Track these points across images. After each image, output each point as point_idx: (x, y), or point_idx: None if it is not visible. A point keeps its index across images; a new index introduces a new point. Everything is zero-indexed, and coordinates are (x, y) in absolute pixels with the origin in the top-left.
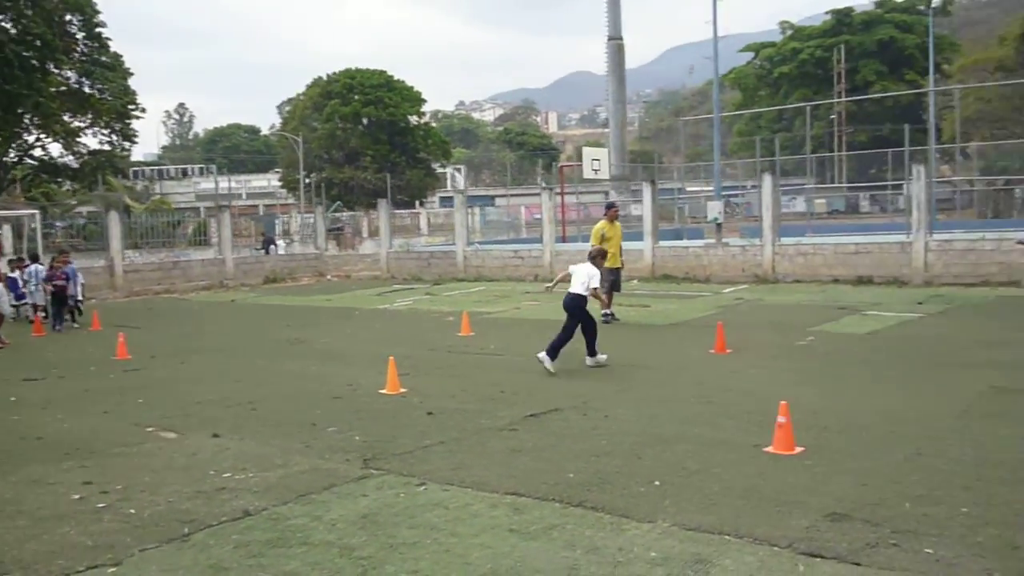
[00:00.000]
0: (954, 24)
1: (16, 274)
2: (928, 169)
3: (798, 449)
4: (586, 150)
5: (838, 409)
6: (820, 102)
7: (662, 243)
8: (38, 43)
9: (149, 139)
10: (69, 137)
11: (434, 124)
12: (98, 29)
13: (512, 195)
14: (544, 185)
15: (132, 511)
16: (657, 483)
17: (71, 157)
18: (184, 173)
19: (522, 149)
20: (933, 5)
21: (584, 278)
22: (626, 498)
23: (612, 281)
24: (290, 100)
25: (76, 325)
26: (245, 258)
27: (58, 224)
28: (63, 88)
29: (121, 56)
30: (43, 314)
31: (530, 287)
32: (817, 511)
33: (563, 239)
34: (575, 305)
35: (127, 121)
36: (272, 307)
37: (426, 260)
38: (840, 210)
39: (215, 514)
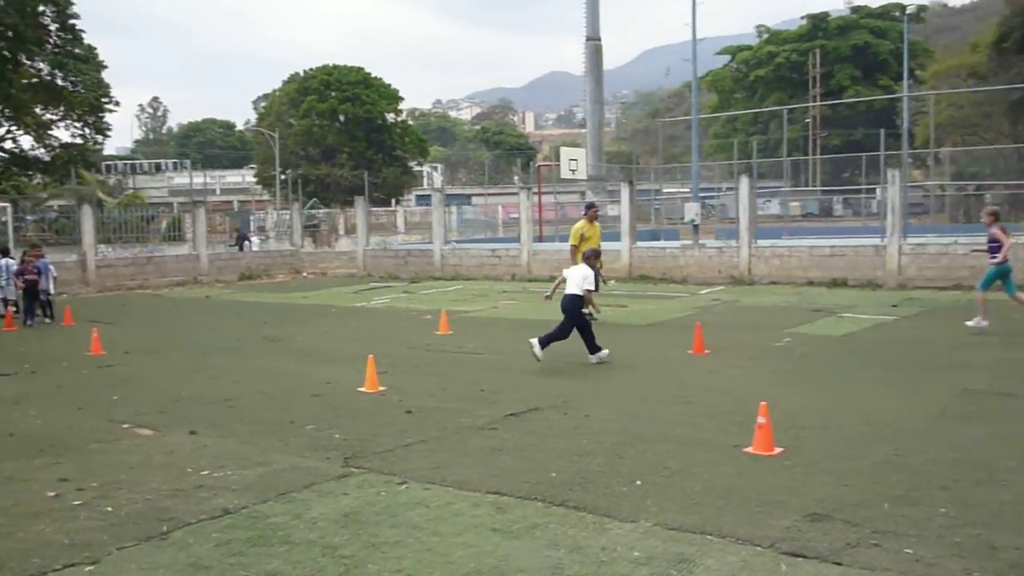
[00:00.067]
0: (927, 31)
1: None
2: (902, 174)
3: (777, 450)
4: (564, 150)
5: (816, 410)
6: (796, 106)
7: (639, 244)
8: (10, 34)
9: (122, 133)
10: (41, 130)
11: (411, 122)
12: (72, 21)
13: (489, 194)
14: (522, 185)
15: (109, 509)
16: (639, 483)
17: (42, 150)
18: (157, 168)
19: (499, 148)
20: (907, 12)
21: (579, 279)
22: (608, 497)
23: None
24: (266, 96)
25: (48, 320)
26: (220, 254)
27: (29, 218)
28: (35, 80)
29: (95, 48)
30: (14, 309)
31: (508, 286)
32: (798, 511)
33: (540, 238)
34: (572, 306)
35: (100, 114)
36: (248, 304)
37: (403, 258)
38: (814, 213)
39: (194, 512)
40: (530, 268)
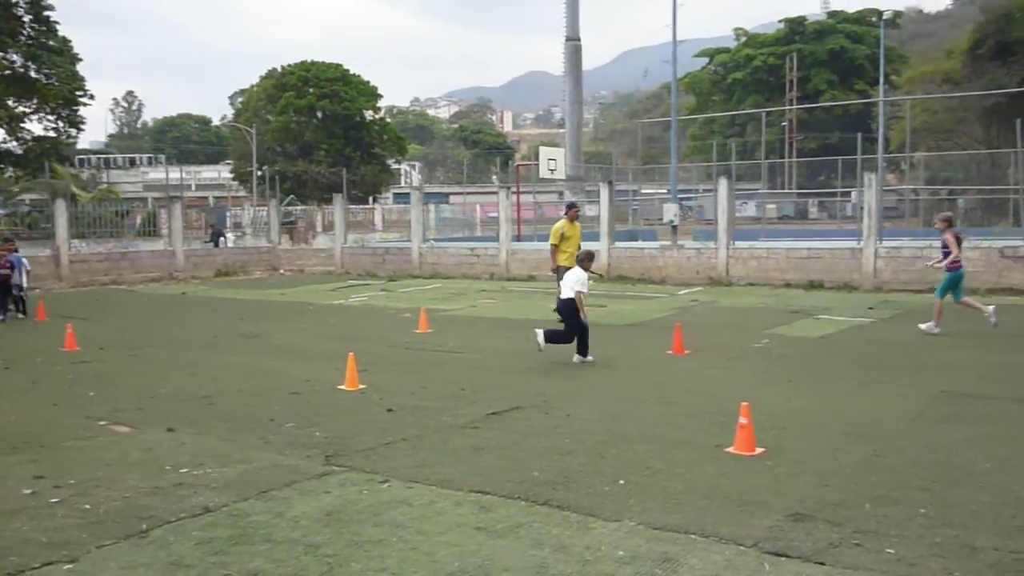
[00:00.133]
0: (903, 36)
1: None
2: (879, 177)
3: (759, 450)
4: (543, 150)
5: (795, 411)
6: (773, 108)
7: (618, 244)
8: None
9: (96, 127)
10: (13, 122)
11: (389, 120)
12: (46, 12)
13: (468, 193)
14: (501, 184)
15: (87, 506)
16: (622, 482)
17: (15, 143)
18: (132, 162)
19: (477, 147)
20: (884, 17)
21: (572, 282)
22: (591, 497)
23: None
24: (243, 91)
25: (21, 316)
26: (196, 250)
27: (0, 212)
28: (8, 72)
29: (70, 41)
30: None
31: (486, 285)
32: (780, 511)
33: (519, 238)
34: (568, 309)
35: (74, 107)
36: (224, 300)
37: (381, 256)
38: (790, 216)
39: (174, 510)
40: (509, 267)
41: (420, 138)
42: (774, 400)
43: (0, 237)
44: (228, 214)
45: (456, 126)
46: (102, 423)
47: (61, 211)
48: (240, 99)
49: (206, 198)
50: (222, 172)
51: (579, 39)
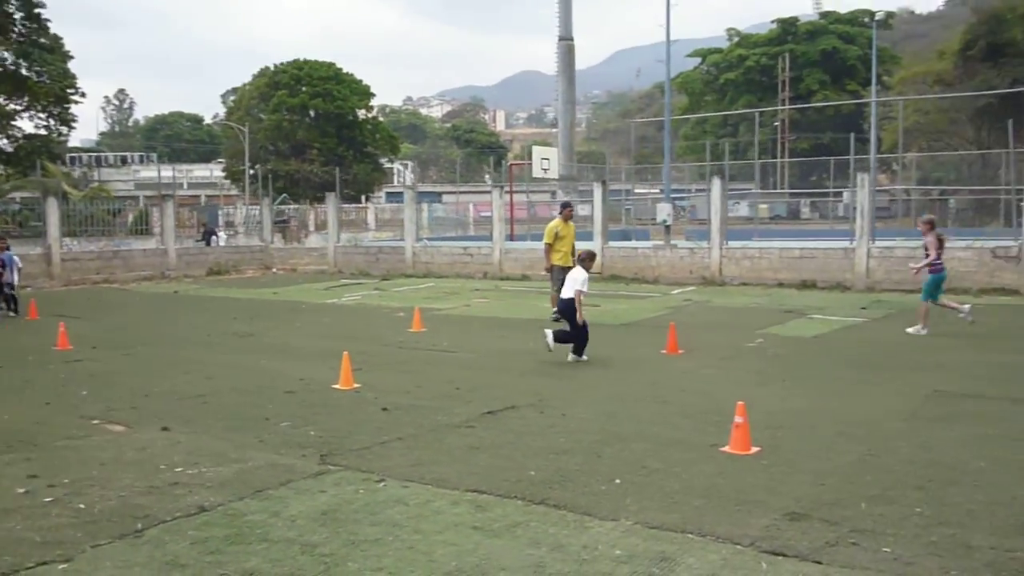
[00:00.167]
0: (895, 37)
1: None
2: (871, 178)
3: (754, 449)
4: (536, 149)
5: (790, 410)
6: (765, 109)
7: (611, 243)
8: None
9: (88, 125)
10: (4, 120)
11: (381, 119)
12: (37, 10)
13: (460, 192)
14: (495, 183)
15: (82, 506)
16: (618, 481)
17: (6, 141)
18: (123, 161)
19: (470, 146)
20: (876, 18)
21: (571, 282)
22: (588, 496)
23: (563, 280)
24: (235, 90)
25: (12, 314)
26: (188, 249)
27: None
28: None
29: (61, 38)
30: None
31: (480, 284)
32: (776, 510)
33: (512, 237)
34: (569, 309)
35: (65, 105)
36: (217, 299)
37: (374, 255)
38: (782, 216)
39: (169, 509)
40: (502, 267)
41: (413, 137)
42: (769, 399)
43: None
44: (220, 213)
45: (449, 125)
46: (96, 422)
47: (52, 209)
48: (232, 97)
49: (198, 197)
50: (214, 171)
51: (572, 39)
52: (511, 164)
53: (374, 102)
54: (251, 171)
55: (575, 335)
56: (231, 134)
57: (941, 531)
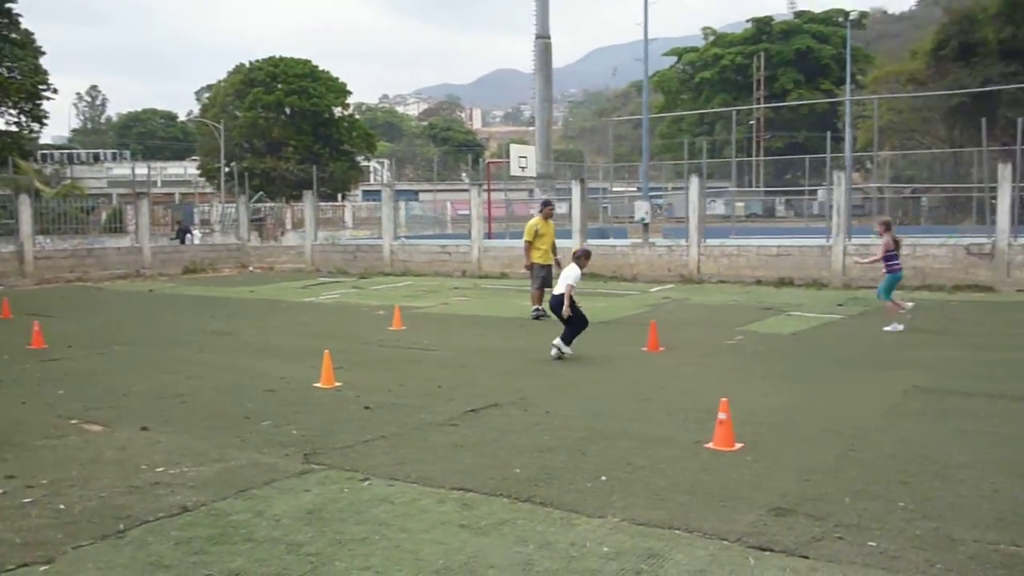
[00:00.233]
0: (868, 37)
1: None
2: (848, 176)
3: (738, 445)
4: (514, 147)
5: (772, 406)
6: (741, 107)
7: (590, 241)
8: None
9: (60, 121)
10: None
11: (358, 116)
12: (8, 5)
13: (437, 190)
14: (472, 182)
15: (62, 506)
16: (603, 479)
17: None
18: (96, 158)
19: (447, 145)
20: (850, 18)
21: (562, 277)
22: (574, 493)
23: (543, 278)
24: (210, 86)
25: None
26: (163, 247)
27: None
28: None
29: (32, 33)
30: None
31: (458, 282)
32: (762, 506)
33: (489, 235)
34: (560, 305)
35: (37, 102)
36: (193, 298)
37: (352, 253)
38: (758, 213)
39: (151, 510)
40: (481, 265)
41: (389, 135)
42: (750, 396)
43: None
44: (196, 211)
45: (425, 123)
46: (73, 422)
47: (25, 207)
48: (207, 94)
49: (172, 195)
50: (188, 168)
51: (549, 37)
52: (489, 162)
53: (350, 100)
54: (226, 169)
55: (574, 328)
56: (206, 131)
57: (925, 525)
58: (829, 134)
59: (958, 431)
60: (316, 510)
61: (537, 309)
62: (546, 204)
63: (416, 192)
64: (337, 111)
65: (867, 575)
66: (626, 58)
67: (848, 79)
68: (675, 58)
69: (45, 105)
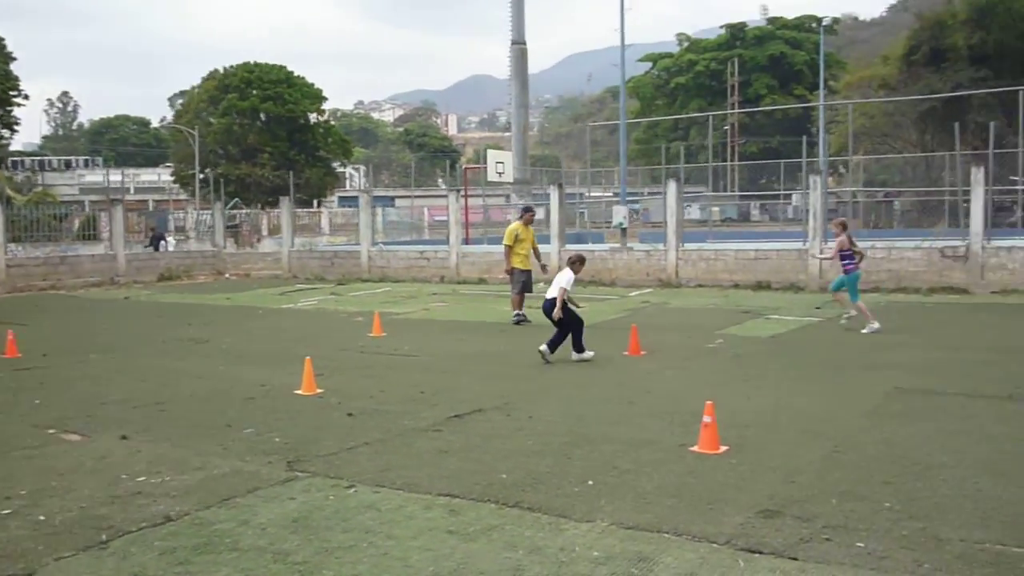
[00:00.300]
0: (839, 42)
1: None
2: (823, 180)
3: (722, 448)
4: (491, 153)
5: (755, 409)
6: (716, 112)
7: (569, 246)
8: None
9: (30, 128)
10: None
11: (333, 123)
12: None
13: (415, 196)
14: (450, 187)
15: (42, 517)
16: (590, 483)
17: None
18: (68, 165)
19: (423, 150)
20: (823, 24)
21: (556, 282)
22: (561, 498)
23: (523, 283)
24: (183, 92)
25: None
26: (138, 254)
27: None
28: None
29: (3, 39)
30: None
31: (437, 288)
32: (749, 508)
33: (467, 241)
34: (552, 308)
35: (7, 108)
36: (169, 305)
37: (329, 260)
38: (733, 218)
39: (134, 520)
40: (459, 270)
41: (364, 141)
42: (733, 399)
43: None
44: (171, 217)
45: (401, 129)
46: (51, 431)
47: None
48: (180, 100)
49: (145, 201)
50: (162, 175)
51: (525, 43)
52: (466, 168)
53: (325, 106)
54: (201, 175)
55: (564, 335)
56: (179, 138)
57: (911, 525)
58: (805, 139)
59: (939, 431)
60: (302, 518)
61: (518, 314)
62: (527, 210)
63: (392, 198)
64: (313, 117)
65: None
66: (601, 64)
67: (822, 84)
68: (650, 64)
69: (16, 111)
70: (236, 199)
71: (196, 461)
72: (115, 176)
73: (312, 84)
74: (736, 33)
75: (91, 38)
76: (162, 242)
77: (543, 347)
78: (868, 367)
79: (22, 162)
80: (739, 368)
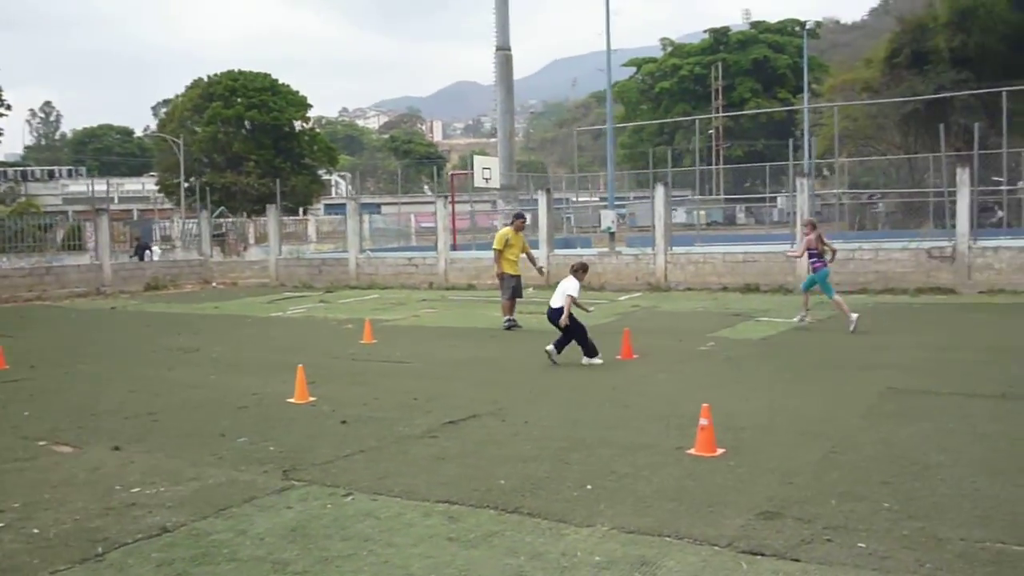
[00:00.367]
0: (822, 46)
1: None
2: (810, 183)
3: (719, 451)
4: (477, 159)
5: (750, 411)
6: (701, 116)
7: (557, 251)
8: None
9: (13, 138)
10: None
11: (318, 130)
12: None
13: (401, 203)
14: (437, 194)
15: (36, 530)
16: (589, 487)
17: None
18: (51, 175)
19: (408, 157)
20: (807, 27)
21: (563, 290)
22: (561, 503)
23: (514, 288)
24: (167, 101)
25: None
26: (124, 264)
27: None
28: None
29: None
30: None
31: (426, 295)
32: (749, 510)
33: (455, 247)
34: (557, 317)
35: None
36: (157, 315)
37: (317, 267)
38: (718, 221)
39: (129, 531)
40: (448, 276)
41: (350, 148)
42: (728, 401)
43: None
44: (156, 227)
45: (387, 136)
46: (42, 443)
47: None
48: (164, 109)
49: (130, 211)
50: (146, 184)
51: (509, 48)
52: (452, 174)
53: (310, 113)
54: (186, 184)
55: (569, 339)
56: (164, 147)
57: (911, 525)
58: (791, 142)
59: (935, 431)
60: (300, 527)
61: (509, 319)
62: (518, 216)
63: (379, 205)
64: (298, 125)
65: None
66: (585, 69)
67: (806, 87)
68: (634, 69)
69: None
70: (222, 207)
71: (190, 471)
72: (99, 185)
73: (297, 92)
74: (719, 37)
75: (75, 46)
76: (147, 252)
77: (550, 347)
78: (861, 367)
79: (5, 173)
80: (732, 370)
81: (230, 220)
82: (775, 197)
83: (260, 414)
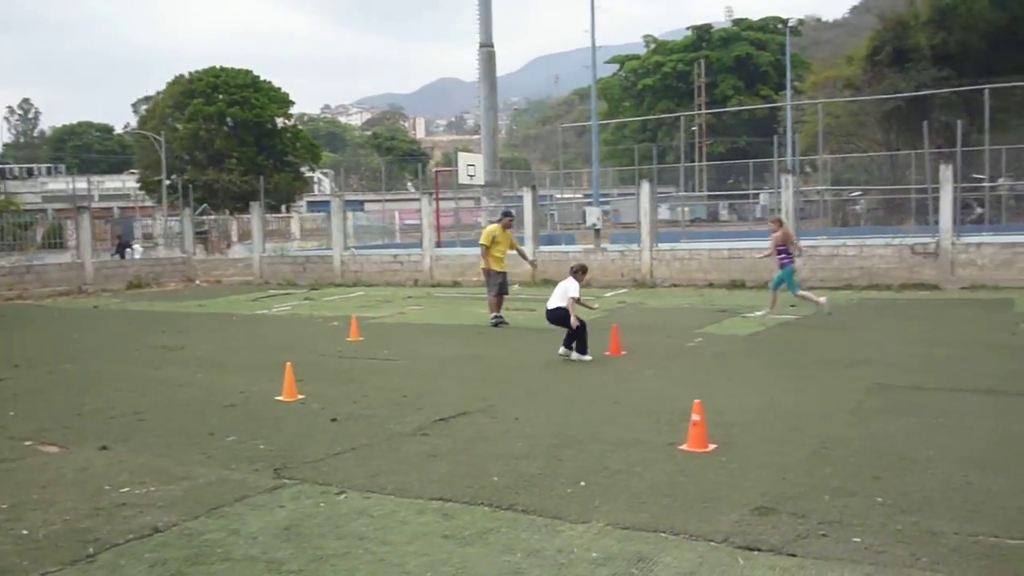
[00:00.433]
0: (803, 43)
1: None
2: (795, 179)
3: (711, 447)
4: (461, 156)
5: (739, 407)
6: (685, 113)
7: (542, 248)
8: None
9: None
10: None
11: (300, 127)
12: None
13: (385, 200)
14: (421, 191)
15: (24, 532)
16: (583, 484)
17: None
18: (30, 173)
19: (391, 154)
20: (789, 25)
21: (563, 291)
22: (555, 500)
23: (500, 284)
24: (148, 98)
25: None
26: (106, 262)
27: None
28: None
29: None
30: None
31: (411, 292)
32: (743, 506)
33: (439, 244)
34: (557, 318)
35: None
36: (140, 313)
37: (302, 265)
38: (702, 218)
39: (120, 532)
40: (433, 273)
41: (332, 145)
42: (718, 397)
43: None
44: (137, 224)
45: (369, 133)
46: (28, 443)
47: None
48: (145, 106)
49: (110, 209)
50: (127, 182)
51: (492, 45)
52: (437, 171)
53: (292, 110)
54: (168, 181)
55: (573, 336)
56: (144, 144)
57: (904, 519)
58: (776, 139)
59: (923, 425)
60: (293, 526)
61: (496, 316)
62: (506, 215)
63: (362, 202)
64: (280, 122)
65: (855, 571)
66: (568, 66)
67: (788, 84)
68: (617, 66)
69: None
70: (204, 205)
71: (180, 471)
72: (80, 183)
73: (279, 88)
74: (702, 35)
75: (50, 46)
76: (128, 250)
77: (562, 349)
78: (847, 363)
79: None
80: (720, 366)
81: (212, 217)
82: (758, 194)
83: (248, 412)
